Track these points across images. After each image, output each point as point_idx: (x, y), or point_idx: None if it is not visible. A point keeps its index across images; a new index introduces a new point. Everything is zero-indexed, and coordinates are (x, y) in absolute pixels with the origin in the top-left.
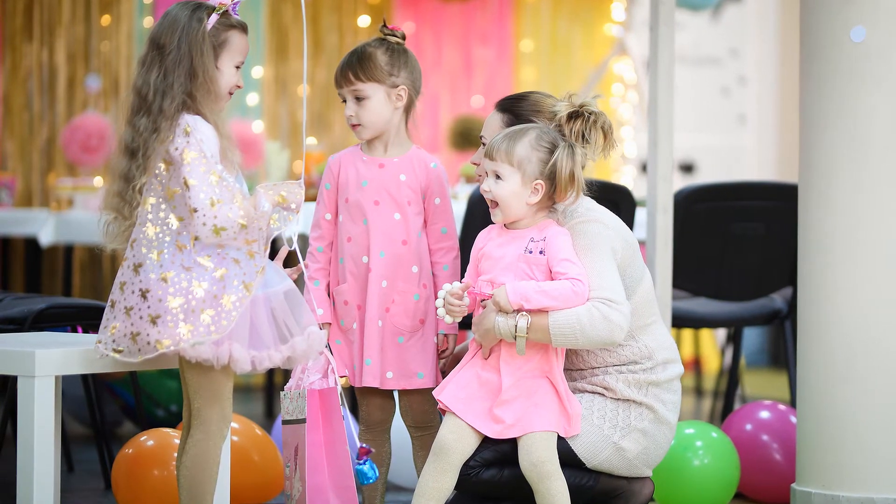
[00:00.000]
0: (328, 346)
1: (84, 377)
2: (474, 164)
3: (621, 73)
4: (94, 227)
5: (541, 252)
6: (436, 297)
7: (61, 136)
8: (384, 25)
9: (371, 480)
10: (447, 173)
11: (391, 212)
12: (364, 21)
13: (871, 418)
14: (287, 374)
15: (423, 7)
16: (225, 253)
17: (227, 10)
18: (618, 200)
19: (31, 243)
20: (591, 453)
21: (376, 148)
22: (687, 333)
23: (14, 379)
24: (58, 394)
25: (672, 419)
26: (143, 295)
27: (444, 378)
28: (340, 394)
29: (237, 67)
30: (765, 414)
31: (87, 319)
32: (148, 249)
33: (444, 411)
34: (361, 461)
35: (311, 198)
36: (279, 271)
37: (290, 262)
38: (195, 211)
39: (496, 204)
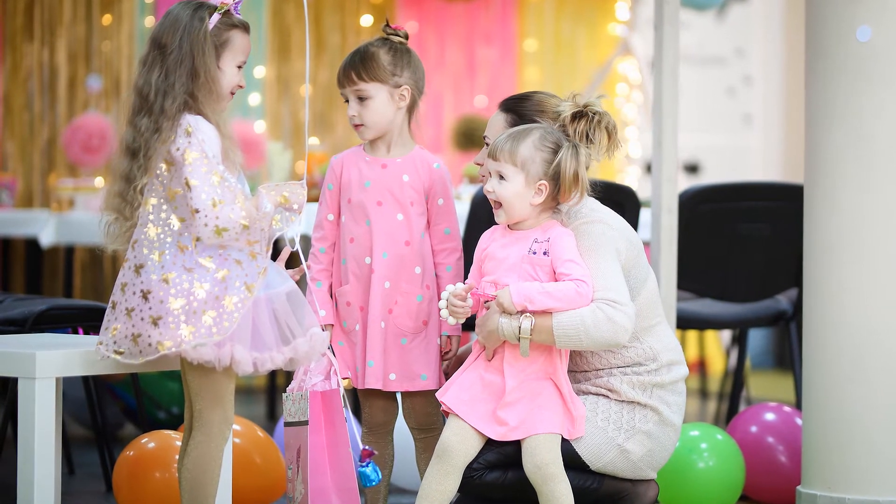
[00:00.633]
0: (330, 347)
1: (85, 379)
2: (478, 164)
3: (626, 73)
4: (95, 228)
5: (545, 253)
6: (439, 299)
7: (62, 136)
8: (387, 25)
9: (374, 483)
10: (450, 174)
11: (394, 212)
12: (367, 20)
13: (878, 420)
14: (289, 375)
15: (427, 6)
16: (227, 254)
17: (228, 10)
18: (622, 201)
19: (32, 244)
20: (596, 455)
21: (379, 148)
22: (692, 335)
23: (15, 380)
24: (58, 395)
25: (677, 421)
26: (145, 296)
27: (447, 380)
28: (343, 396)
29: (239, 67)
30: (770, 416)
31: (88, 321)
32: (149, 250)
33: (447, 413)
34: (364, 463)
35: (313, 198)
36: (281, 272)
37: (292, 263)
38: (197, 212)
39: (500, 204)
